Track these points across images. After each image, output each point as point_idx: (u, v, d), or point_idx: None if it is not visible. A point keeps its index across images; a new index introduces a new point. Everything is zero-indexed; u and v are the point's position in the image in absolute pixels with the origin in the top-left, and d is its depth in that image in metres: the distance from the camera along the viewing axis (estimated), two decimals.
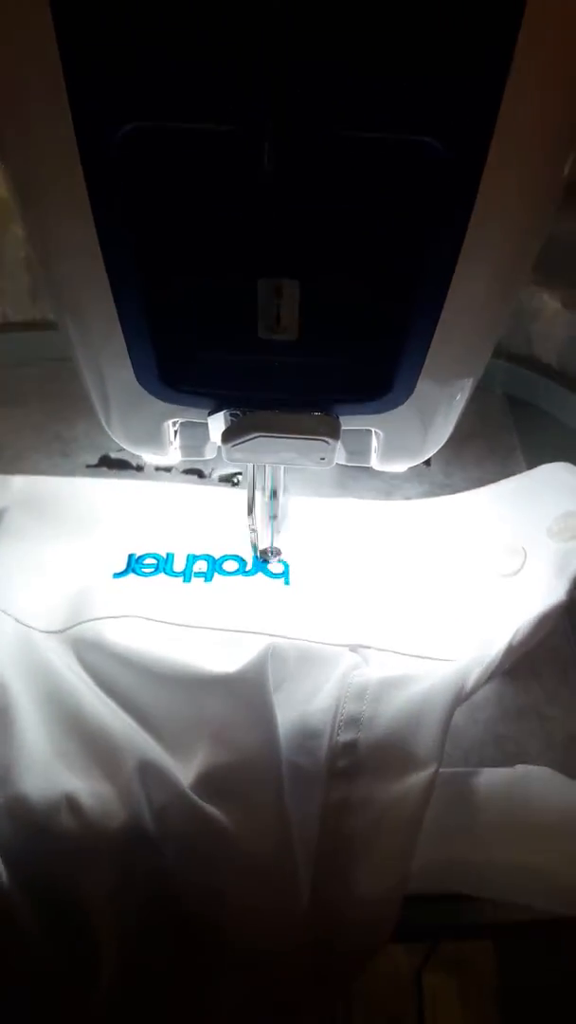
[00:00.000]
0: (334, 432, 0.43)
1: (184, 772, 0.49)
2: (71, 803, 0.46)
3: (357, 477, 0.71)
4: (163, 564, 0.63)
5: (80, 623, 0.56)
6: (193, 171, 0.33)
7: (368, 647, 0.57)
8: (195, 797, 0.47)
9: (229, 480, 0.71)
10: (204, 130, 0.31)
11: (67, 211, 0.35)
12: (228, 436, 0.44)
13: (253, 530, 0.61)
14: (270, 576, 0.62)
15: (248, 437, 0.44)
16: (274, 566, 0.63)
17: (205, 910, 0.46)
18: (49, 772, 0.48)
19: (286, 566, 0.63)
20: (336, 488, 0.71)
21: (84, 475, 0.71)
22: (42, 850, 0.46)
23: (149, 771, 0.48)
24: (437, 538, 0.66)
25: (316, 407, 0.44)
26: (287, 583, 0.62)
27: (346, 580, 0.62)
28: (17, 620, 0.57)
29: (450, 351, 0.41)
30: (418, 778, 0.48)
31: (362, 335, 0.40)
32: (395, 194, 0.33)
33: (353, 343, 0.41)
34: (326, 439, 0.43)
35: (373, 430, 0.48)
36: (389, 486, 0.71)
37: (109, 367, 0.44)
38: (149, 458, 0.52)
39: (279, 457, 0.45)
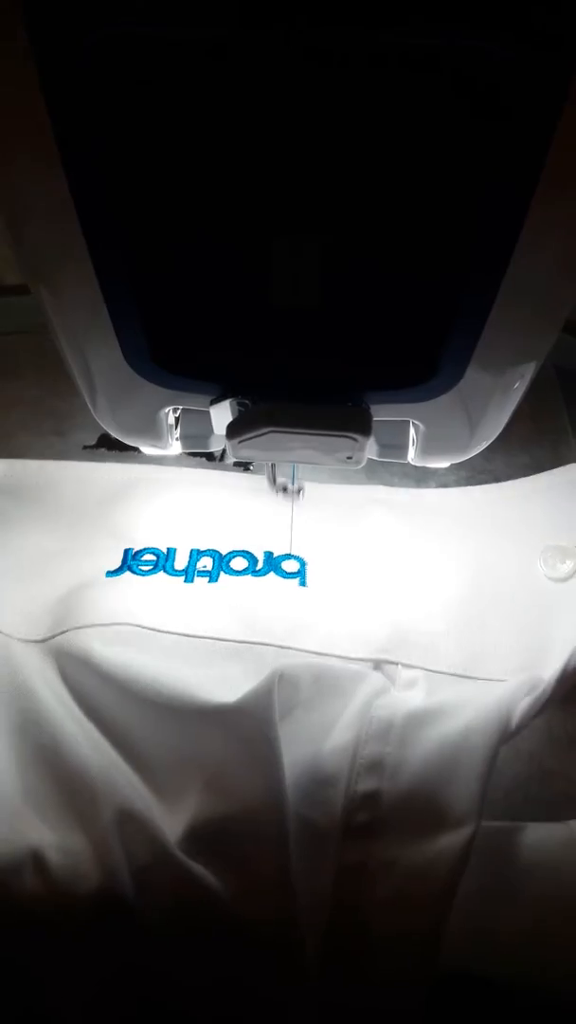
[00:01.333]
0: (364, 427, 0.36)
1: (171, 824, 0.43)
2: (37, 861, 0.41)
3: (385, 461, 0.63)
4: (163, 561, 0.56)
5: (65, 631, 0.50)
6: (186, 94, 0.27)
7: (395, 663, 0.50)
8: (182, 856, 0.41)
9: (244, 465, 0.63)
10: (197, 37, 0.25)
11: (29, 154, 0.29)
12: (234, 430, 0.37)
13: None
14: (283, 576, 0.55)
15: (258, 432, 0.36)
16: (289, 565, 0.55)
17: (191, 995, 0.41)
18: (15, 818, 0.43)
19: (302, 564, 0.56)
20: (360, 472, 0.63)
21: (80, 457, 0.65)
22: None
23: (129, 822, 0.42)
24: (476, 533, 0.58)
25: (342, 395, 0.36)
26: (303, 584, 0.55)
27: (371, 581, 0.55)
28: None
29: (509, 330, 0.35)
30: (452, 840, 0.41)
31: (402, 306, 0.34)
32: (448, 122, 0.27)
33: (390, 316, 0.34)
34: (354, 435, 0.36)
35: (411, 421, 0.40)
36: (421, 472, 0.63)
37: (92, 346, 0.38)
38: (146, 449, 0.45)
39: (296, 455, 0.38)
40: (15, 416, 0.67)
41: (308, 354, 0.35)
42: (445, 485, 0.63)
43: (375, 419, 0.37)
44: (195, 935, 0.41)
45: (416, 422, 0.40)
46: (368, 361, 0.36)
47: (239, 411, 0.37)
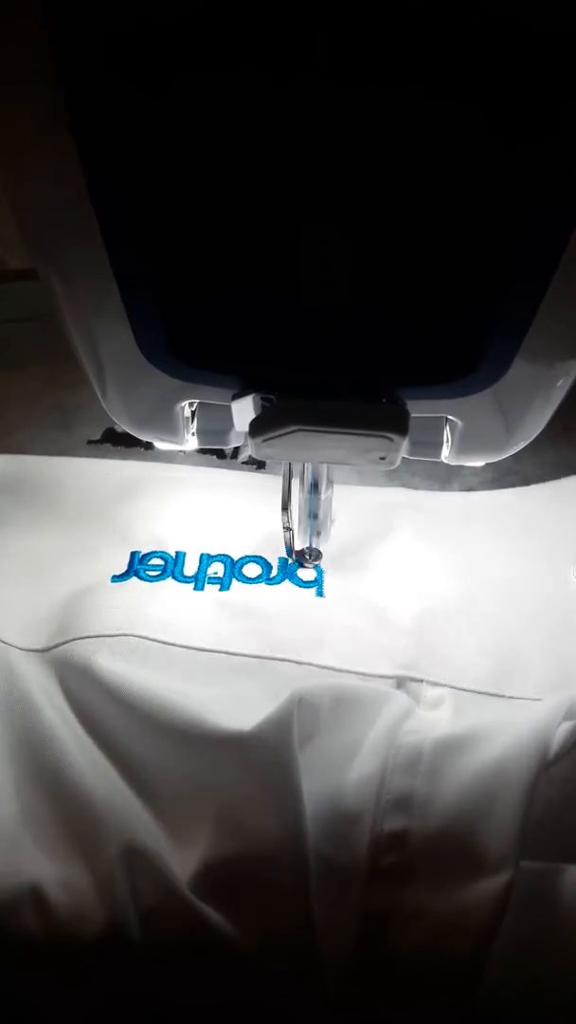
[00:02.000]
0: (401, 426, 0.32)
1: (180, 861, 0.40)
2: (36, 897, 0.38)
3: (405, 459, 0.59)
4: (172, 566, 0.53)
5: (68, 641, 0.47)
6: (210, 63, 0.24)
7: (420, 680, 0.47)
8: (193, 898, 0.38)
9: (257, 463, 0.60)
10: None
11: (41, 134, 0.27)
12: (258, 428, 0.33)
13: (288, 529, 0.50)
14: (300, 585, 0.52)
15: (284, 431, 0.33)
16: (305, 573, 0.52)
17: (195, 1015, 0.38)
18: (14, 850, 0.40)
19: (320, 573, 0.53)
20: (380, 472, 0.59)
21: (84, 452, 0.61)
22: None
23: (136, 858, 0.39)
24: (505, 540, 0.55)
25: (376, 391, 0.33)
26: (320, 594, 0.52)
27: (393, 592, 0.52)
28: None
29: (559, 322, 0.31)
30: (488, 885, 0.38)
31: (444, 295, 0.31)
32: (496, 100, 0.25)
33: (431, 305, 0.31)
34: (390, 435, 0.32)
35: (447, 417, 0.36)
36: (446, 472, 0.60)
37: (104, 333, 0.35)
38: (159, 444, 0.41)
39: (324, 455, 0.35)
40: (17, 409, 0.64)
41: (340, 346, 0.32)
42: (470, 487, 0.59)
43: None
44: (206, 980, 0.38)
45: (453, 419, 0.36)
46: (406, 354, 0.32)
47: (262, 407, 0.34)
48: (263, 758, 0.40)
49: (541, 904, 0.40)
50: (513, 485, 0.59)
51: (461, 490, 0.59)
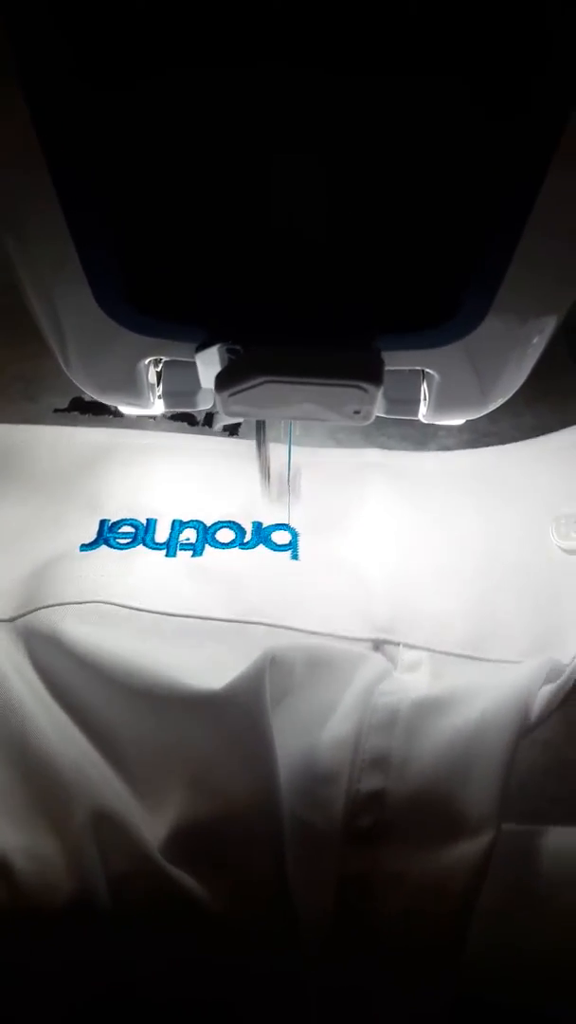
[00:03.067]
0: (376, 375, 0.31)
1: (151, 826, 0.39)
2: (3, 868, 0.37)
3: (381, 420, 0.58)
4: (143, 533, 0.51)
5: (35, 609, 0.45)
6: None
7: (397, 643, 0.46)
8: (164, 863, 0.37)
9: (229, 429, 0.58)
10: None
11: None
12: (225, 381, 0.32)
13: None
14: (273, 549, 0.51)
15: (253, 382, 0.31)
16: (280, 536, 0.51)
17: (175, 1017, 0.37)
18: None
19: (294, 536, 0.51)
20: (354, 433, 0.59)
21: (51, 421, 0.59)
22: None
23: (106, 825, 0.38)
24: (483, 500, 0.54)
25: (348, 339, 0.31)
26: (295, 557, 0.51)
27: (369, 554, 0.51)
28: None
29: (536, 273, 0.31)
30: (468, 847, 0.37)
31: (420, 237, 0.29)
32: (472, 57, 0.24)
33: (406, 247, 0.30)
34: (364, 385, 0.31)
35: (424, 371, 0.35)
36: (421, 433, 0.59)
37: (60, 288, 0.33)
38: (125, 409, 0.40)
39: (296, 411, 0.33)
40: None
41: (309, 291, 0.31)
42: (446, 448, 0.58)
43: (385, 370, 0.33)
44: (179, 946, 0.37)
45: (430, 372, 0.35)
46: (379, 299, 0.31)
47: (228, 359, 0.32)
48: (234, 718, 0.40)
49: (523, 866, 0.39)
50: (490, 446, 0.58)
51: (437, 451, 0.58)
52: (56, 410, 0.60)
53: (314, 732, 0.41)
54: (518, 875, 0.39)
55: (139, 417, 0.57)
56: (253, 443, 0.49)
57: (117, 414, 0.58)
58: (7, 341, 0.63)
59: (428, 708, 0.41)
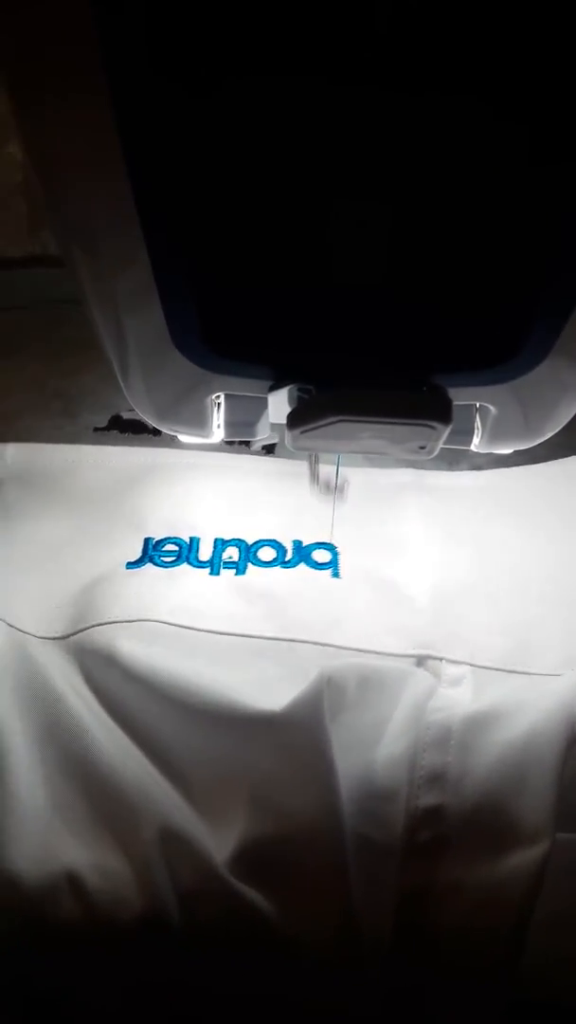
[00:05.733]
0: (445, 415, 0.32)
1: (217, 844, 0.39)
2: (73, 883, 0.37)
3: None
4: (187, 551, 0.52)
5: (87, 628, 0.46)
6: (252, 27, 0.24)
7: (440, 658, 0.47)
8: (233, 880, 0.38)
9: (268, 448, 0.59)
10: None
11: (76, 106, 0.26)
12: (298, 420, 0.33)
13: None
14: (315, 567, 0.52)
15: (326, 421, 0.32)
16: (320, 555, 0.52)
17: (229, 1008, 0.38)
18: (46, 837, 0.39)
19: (334, 554, 0.52)
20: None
21: (91, 440, 0.60)
22: (32, 943, 0.37)
23: (172, 842, 0.38)
24: (517, 516, 0.55)
25: (414, 378, 0.33)
26: (336, 575, 0.51)
27: (409, 571, 0.52)
28: (9, 624, 0.47)
29: None
30: (525, 857, 0.38)
31: (485, 278, 0.31)
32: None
33: (471, 288, 0.31)
34: (433, 424, 0.32)
35: (478, 404, 0.36)
36: (452, 453, 0.59)
37: (135, 322, 0.34)
38: (184, 438, 0.41)
39: (363, 446, 0.34)
40: (19, 397, 0.63)
41: (380, 334, 0.32)
42: (479, 467, 0.59)
43: None
44: (246, 960, 0.38)
45: (488, 406, 0.36)
46: (445, 338, 0.32)
47: (298, 398, 0.34)
48: (296, 737, 0.40)
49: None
50: (519, 465, 0.59)
51: (469, 470, 0.59)
52: (96, 429, 0.61)
53: (369, 750, 0.41)
54: (572, 882, 0.40)
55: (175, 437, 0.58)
56: (291, 462, 0.49)
57: (156, 433, 0.59)
58: (46, 358, 0.65)
59: (479, 723, 0.42)
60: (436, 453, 0.35)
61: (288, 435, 0.34)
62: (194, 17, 0.24)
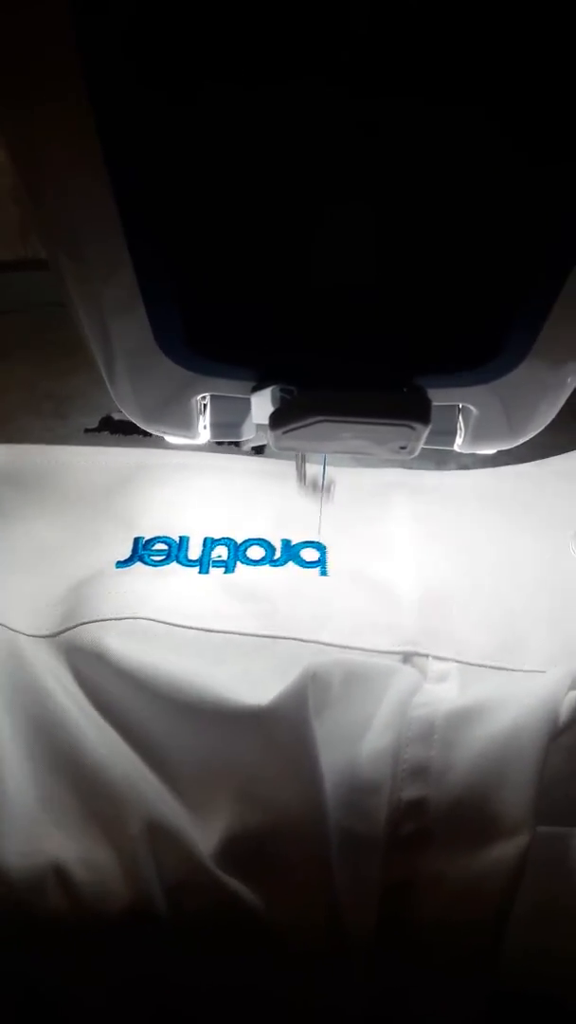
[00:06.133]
0: (424, 415, 0.33)
1: (203, 837, 0.39)
2: (60, 876, 0.38)
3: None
4: (176, 550, 0.53)
5: (76, 625, 0.46)
6: (232, 35, 0.24)
7: (425, 655, 0.47)
8: (219, 872, 0.38)
9: (257, 448, 0.60)
10: None
11: (59, 112, 0.26)
12: (280, 420, 0.34)
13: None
14: (303, 566, 0.52)
15: (307, 421, 0.33)
16: (308, 553, 0.52)
17: (232, 1019, 0.38)
18: (33, 831, 0.39)
19: (322, 552, 0.53)
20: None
21: (81, 441, 0.61)
22: (19, 936, 0.37)
23: (159, 835, 0.39)
24: (503, 516, 0.56)
25: (396, 379, 0.33)
26: (323, 573, 0.52)
27: (395, 569, 0.52)
28: None
29: None
30: (505, 850, 0.38)
31: (466, 281, 0.31)
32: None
33: (452, 291, 0.31)
34: (413, 424, 0.33)
35: (460, 405, 0.37)
36: (439, 453, 0.60)
37: (119, 326, 0.34)
38: (171, 439, 0.41)
39: (344, 446, 0.35)
40: (10, 399, 0.63)
41: (361, 334, 0.32)
42: (465, 467, 0.60)
43: None
44: (232, 952, 0.38)
45: (469, 407, 0.37)
46: (426, 341, 0.33)
47: (281, 398, 0.34)
48: (281, 732, 0.41)
49: (557, 867, 0.41)
50: (507, 464, 0.60)
51: (457, 469, 0.60)
52: (87, 430, 0.62)
53: (354, 744, 0.42)
54: (553, 876, 0.40)
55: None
56: (279, 462, 0.50)
57: (146, 433, 0.59)
58: (38, 359, 0.65)
59: (462, 718, 0.42)
60: (417, 453, 0.35)
61: (270, 435, 0.34)
62: (175, 24, 0.24)
